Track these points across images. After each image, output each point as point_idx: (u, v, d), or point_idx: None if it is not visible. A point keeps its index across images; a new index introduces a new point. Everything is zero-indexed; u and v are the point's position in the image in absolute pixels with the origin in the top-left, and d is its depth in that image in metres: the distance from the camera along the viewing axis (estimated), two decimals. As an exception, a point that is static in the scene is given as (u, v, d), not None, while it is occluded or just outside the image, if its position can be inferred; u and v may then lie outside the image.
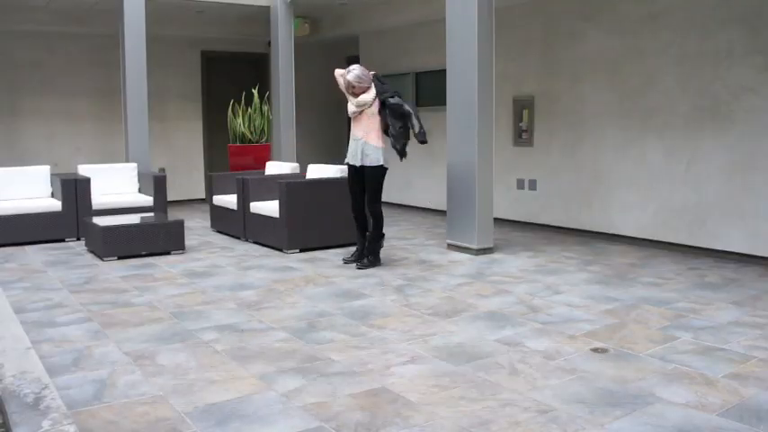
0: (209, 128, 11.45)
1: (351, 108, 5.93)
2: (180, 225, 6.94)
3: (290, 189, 6.73)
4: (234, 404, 3.14)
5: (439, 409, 3.06)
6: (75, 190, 7.61)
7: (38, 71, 10.06)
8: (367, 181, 5.95)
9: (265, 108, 9.57)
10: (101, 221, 6.80)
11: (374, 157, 5.90)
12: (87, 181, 7.74)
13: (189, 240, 7.42)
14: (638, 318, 4.47)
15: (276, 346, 3.96)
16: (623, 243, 7.17)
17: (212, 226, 8.34)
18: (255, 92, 9.56)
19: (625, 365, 3.60)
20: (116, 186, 8.30)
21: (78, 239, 7.59)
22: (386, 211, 9.82)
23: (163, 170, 10.51)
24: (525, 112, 8.25)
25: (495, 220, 7.32)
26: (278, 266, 6.19)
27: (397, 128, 5.89)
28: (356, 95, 5.87)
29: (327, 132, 12.56)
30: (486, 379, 3.42)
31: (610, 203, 7.38)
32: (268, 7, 9.85)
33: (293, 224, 6.75)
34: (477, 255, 6.52)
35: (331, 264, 6.28)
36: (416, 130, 5.86)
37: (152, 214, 7.70)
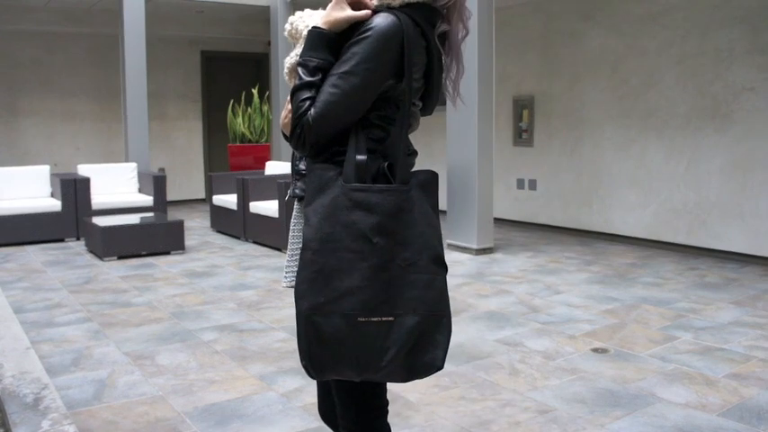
0: (209, 128, 11.44)
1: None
2: (180, 225, 6.93)
3: (290, 189, 6.72)
4: (234, 404, 3.13)
5: (439, 409, 3.06)
6: (74, 190, 7.61)
7: (38, 71, 10.06)
8: None
9: (265, 108, 9.56)
10: (100, 221, 6.79)
11: None
12: (87, 181, 7.74)
13: (189, 240, 7.42)
14: (638, 318, 4.47)
15: (276, 346, 3.95)
16: (623, 243, 7.16)
17: (212, 226, 8.34)
18: (255, 92, 9.56)
19: (625, 365, 3.60)
20: (116, 186, 8.30)
21: (78, 239, 7.59)
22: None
23: (162, 170, 10.51)
24: (525, 112, 8.25)
25: (495, 220, 7.32)
26: (278, 266, 6.19)
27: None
28: None
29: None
30: (486, 379, 3.42)
31: (610, 203, 7.38)
32: (268, 7, 9.85)
33: (293, 224, 6.74)
34: (477, 255, 6.52)
35: (331, 264, 6.26)
36: None
37: (152, 214, 7.69)
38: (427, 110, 1.73)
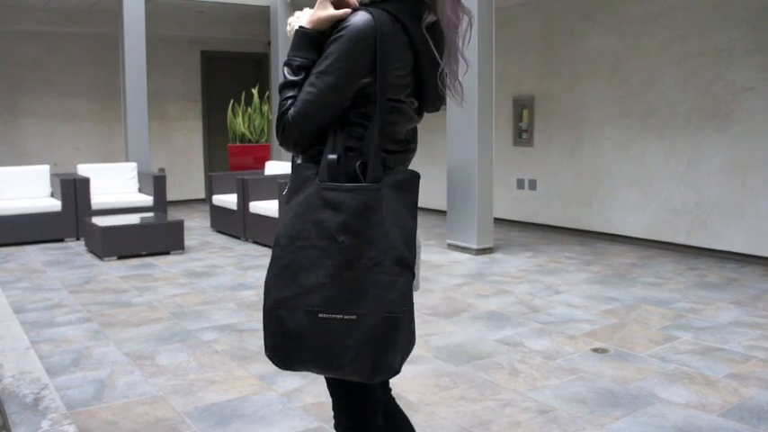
0: (209, 128, 11.44)
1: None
2: (180, 225, 6.93)
3: (290, 189, 6.72)
4: (234, 404, 3.13)
5: (439, 409, 3.06)
6: (74, 190, 7.61)
7: (38, 71, 10.06)
8: None
9: (265, 108, 9.56)
10: (100, 221, 6.79)
11: None
12: (87, 181, 7.74)
13: (189, 240, 7.41)
14: (638, 318, 4.47)
15: (276, 346, 3.95)
16: (623, 243, 7.16)
17: (212, 226, 8.34)
18: (255, 92, 9.56)
19: (625, 365, 3.60)
20: (116, 186, 8.30)
21: (78, 239, 7.58)
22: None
23: (162, 170, 10.51)
24: (525, 112, 8.25)
25: (495, 220, 7.32)
26: (278, 266, 6.18)
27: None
28: None
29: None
30: (486, 379, 3.42)
31: (610, 203, 7.37)
32: (268, 7, 9.85)
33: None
34: (477, 255, 6.52)
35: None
36: None
37: (152, 214, 7.69)
38: (428, 106, 1.70)
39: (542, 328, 4.27)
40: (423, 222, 8.75)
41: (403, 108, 1.63)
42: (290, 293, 1.48)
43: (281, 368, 1.58)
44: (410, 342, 1.55)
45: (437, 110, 1.73)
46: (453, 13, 1.61)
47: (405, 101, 1.63)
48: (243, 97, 9.61)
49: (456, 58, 1.66)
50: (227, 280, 5.68)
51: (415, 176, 1.57)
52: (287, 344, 1.51)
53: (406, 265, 1.50)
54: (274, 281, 1.50)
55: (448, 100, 1.76)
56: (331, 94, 1.53)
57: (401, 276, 1.49)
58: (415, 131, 1.73)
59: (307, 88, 1.54)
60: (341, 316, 1.46)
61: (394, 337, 1.48)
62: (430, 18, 1.59)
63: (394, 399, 1.87)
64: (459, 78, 1.70)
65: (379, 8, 1.55)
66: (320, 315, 1.46)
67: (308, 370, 1.56)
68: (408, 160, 1.70)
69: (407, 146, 1.67)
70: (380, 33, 1.51)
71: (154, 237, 6.78)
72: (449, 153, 6.82)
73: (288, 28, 1.76)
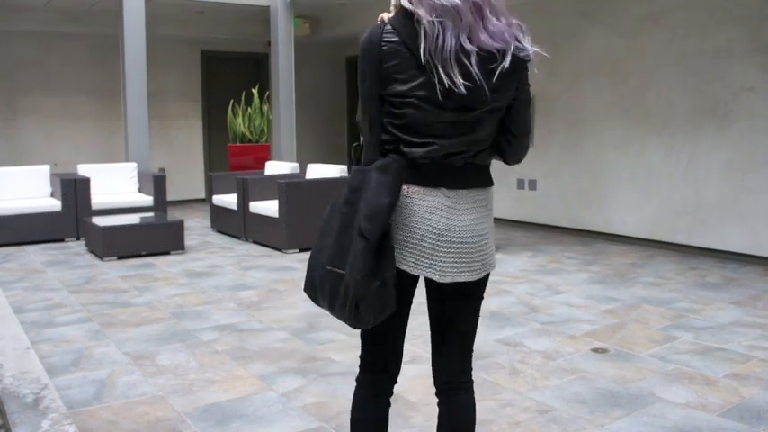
0: (209, 128, 11.44)
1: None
2: (180, 225, 6.93)
3: (290, 189, 6.73)
4: (234, 404, 3.14)
5: (439, 409, 3.05)
6: (74, 190, 7.60)
7: (37, 70, 10.06)
8: (470, 309, 2.25)
9: (265, 108, 9.56)
10: (100, 221, 6.79)
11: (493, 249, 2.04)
12: (87, 181, 7.74)
13: (189, 240, 7.41)
14: (638, 318, 4.47)
15: (276, 346, 3.95)
16: (623, 243, 7.16)
17: (212, 226, 8.34)
18: (255, 92, 9.56)
19: (625, 365, 3.60)
20: (116, 186, 8.30)
21: (78, 239, 7.58)
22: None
23: (162, 170, 10.51)
24: (525, 112, 8.24)
25: (496, 220, 7.32)
26: (278, 266, 6.19)
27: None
28: None
29: (327, 132, 12.55)
30: (486, 379, 3.42)
31: (609, 203, 7.38)
32: (268, 7, 9.85)
33: (293, 224, 6.75)
34: (477, 255, 6.51)
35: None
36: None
37: (152, 214, 7.69)
38: (462, 100, 1.72)
39: (542, 328, 4.27)
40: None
41: (414, 102, 1.74)
42: (317, 250, 1.85)
43: (315, 304, 1.90)
44: (372, 308, 1.73)
45: (480, 103, 1.75)
46: (418, 3, 1.72)
47: (415, 95, 1.73)
48: (243, 97, 9.61)
49: (451, 48, 1.72)
50: (227, 280, 5.68)
51: (395, 161, 1.78)
52: (316, 287, 1.86)
53: (361, 234, 1.73)
54: (317, 239, 1.86)
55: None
56: (363, 95, 1.83)
57: (356, 244, 1.73)
58: (453, 127, 1.76)
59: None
60: (338, 270, 1.78)
61: (346, 291, 1.74)
62: (417, 15, 1.72)
63: (457, 392, 2.20)
64: (476, 70, 1.75)
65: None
66: (326, 267, 1.81)
67: (329, 311, 1.85)
68: (434, 155, 1.77)
69: (431, 140, 1.77)
70: (370, 42, 1.77)
71: (154, 237, 6.78)
72: (449, 153, 6.81)
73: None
